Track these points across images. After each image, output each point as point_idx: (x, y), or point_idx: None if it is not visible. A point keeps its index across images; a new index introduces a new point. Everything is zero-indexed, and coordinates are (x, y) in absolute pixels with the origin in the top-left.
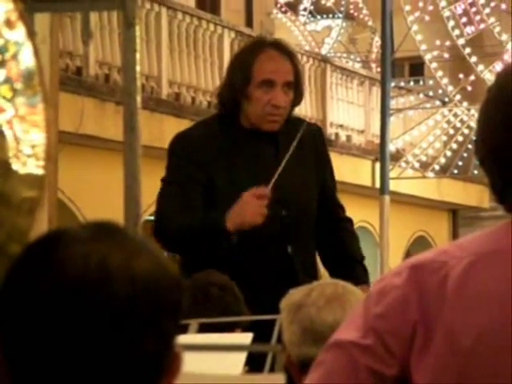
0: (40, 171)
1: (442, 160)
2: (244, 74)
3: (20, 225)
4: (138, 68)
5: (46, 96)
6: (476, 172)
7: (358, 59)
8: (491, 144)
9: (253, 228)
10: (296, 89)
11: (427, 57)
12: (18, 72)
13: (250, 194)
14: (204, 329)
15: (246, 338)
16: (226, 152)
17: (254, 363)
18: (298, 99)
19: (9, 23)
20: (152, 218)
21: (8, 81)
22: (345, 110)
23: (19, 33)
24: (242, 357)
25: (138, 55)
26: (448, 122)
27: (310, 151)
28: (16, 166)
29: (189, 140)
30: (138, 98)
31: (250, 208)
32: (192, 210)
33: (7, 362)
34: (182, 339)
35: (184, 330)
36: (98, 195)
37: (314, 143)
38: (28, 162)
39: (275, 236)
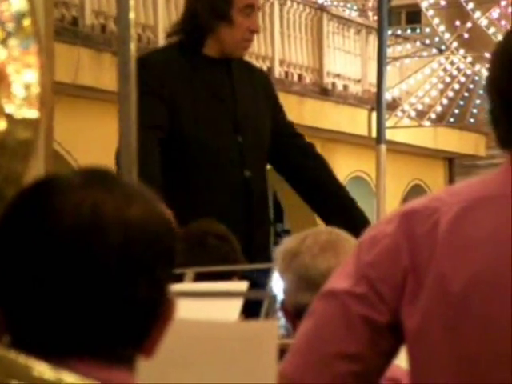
0: (34, 114)
1: (439, 108)
2: None
3: (15, 169)
4: (132, 15)
5: (40, 37)
6: (472, 120)
7: (355, 8)
8: (500, 87)
9: (212, 154)
10: None
11: (424, 4)
12: (9, 13)
13: None
14: (200, 278)
15: (241, 285)
16: (186, 77)
17: (250, 312)
18: None
19: None
20: None
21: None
22: (341, 59)
23: None
24: (238, 304)
25: (131, 1)
26: (444, 70)
27: (263, 94)
28: (9, 109)
29: (151, 62)
30: (133, 46)
31: None
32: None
33: (2, 307)
34: (178, 287)
35: (180, 278)
36: (95, 146)
37: (264, 84)
38: (21, 105)
39: (233, 161)
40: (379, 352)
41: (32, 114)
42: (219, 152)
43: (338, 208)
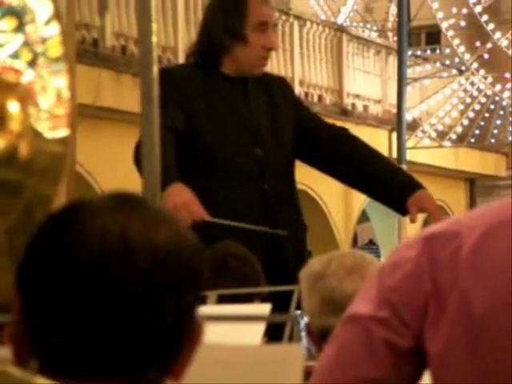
0: (64, 133)
1: (459, 129)
2: (240, 17)
3: (45, 190)
4: (154, 39)
5: (69, 57)
6: (493, 141)
7: (375, 28)
8: None
9: (231, 166)
10: None
11: (444, 25)
12: (38, 34)
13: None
14: (222, 300)
15: (264, 308)
16: (204, 92)
17: (273, 334)
18: None
19: None
20: None
21: (27, 44)
22: (361, 80)
23: None
24: (260, 327)
25: (154, 26)
26: (465, 90)
27: (283, 102)
28: (39, 127)
29: (173, 74)
30: (155, 69)
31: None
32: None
33: (29, 331)
34: (201, 310)
35: (203, 301)
36: (116, 167)
37: (282, 90)
38: (50, 124)
39: (252, 174)
40: (402, 377)
41: (61, 132)
42: (237, 164)
43: (385, 180)
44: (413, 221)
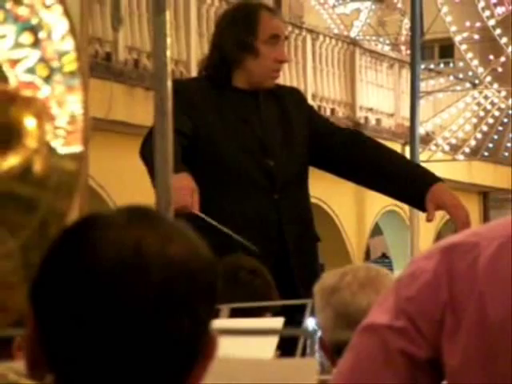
0: (78, 149)
1: (473, 142)
2: (251, 30)
3: (59, 205)
4: (168, 53)
5: (84, 73)
6: (506, 154)
7: (388, 42)
8: None
9: (242, 177)
10: None
11: (457, 38)
12: (53, 50)
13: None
14: (233, 313)
15: (277, 322)
16: (215, 104)
17: (286, 347)
18: None
19: (44, 2)
20: None
21: (43, 60)
22: (374, 94)
23: (55, 11)
24: (273, 341)
25: (168, 40)
26: (478, 104)
27: (296, 113)
28: (54, 143)
29: (184, 85)
30: (169, 83)
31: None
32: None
33: (44, 346)
34: (214, 323)
35: (216, 314)
36: (129, 181)
37: (295, 100)
38: (65, 140)
39: (262, 184)
40: None
41: (76, 148)
42: (248, 175)
43: (402, 178)
44: (429, 219)
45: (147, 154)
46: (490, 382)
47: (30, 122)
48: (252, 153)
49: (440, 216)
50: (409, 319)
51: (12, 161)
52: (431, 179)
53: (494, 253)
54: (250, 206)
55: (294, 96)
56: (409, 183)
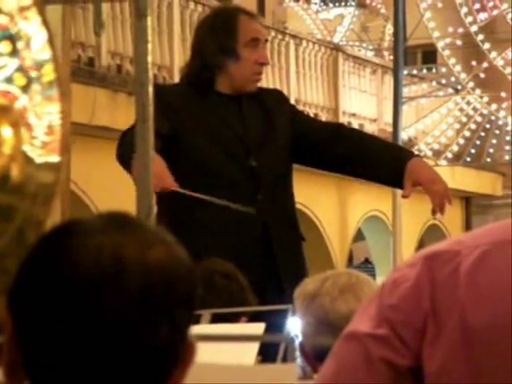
0: (56, 158)
1: (455, 148)
2: (231, 34)
3: (36, 213)
4: (149, 59)
5: (62, 84)
6: (489, 160)
7: (371, 47)
8: None
9: (224, 178)
10: None
11: (440, 44)
12: (32, 60)
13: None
14: (211, 318)
15: (258, 328)
16: (196, 108)
17: (266, 353)
18: None
19: (23, 12)
20: None
21: (21, 69)
22: (357, 99)
23: (33, 21)
24: (254, 347)
25: (149, 46)
26: (461, 109)
27: (278, 113)
28: (31, 153)
29: (165, 90)
30: (150, 89)
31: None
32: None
33: (21, 352)
34: (195, 329)
35: (196, 320)
36: (112, 187)
37: (277, 101)
38: (43, 150)
39: (245, 185)
40: None
41: (53, 158)
42: (230, 176)
43: (382, 162)
44: (403, 195)
45: (122, 153)
46: None
47: (6, 131)
48: (234, 155)
49: (423, 222)
50: (391, 328)
51: None
52: (407, 156)
53: (475, 261)
54: (232, 208)
55: (276, 97)
56: (389, 166)
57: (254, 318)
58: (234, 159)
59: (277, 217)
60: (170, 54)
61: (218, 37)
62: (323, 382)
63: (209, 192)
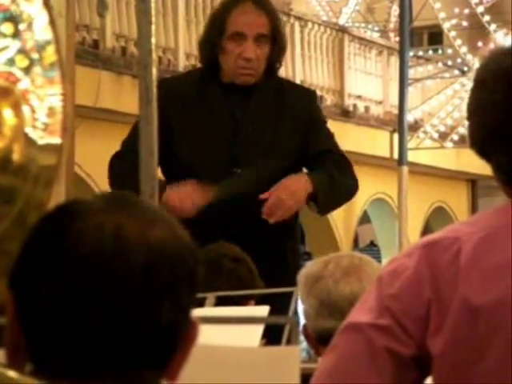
0: (57, 140)
1: (461, 130)
2: (218, 27)
3: (38, 195)
4: (153, 40)
5: (63, 65)
6: None
7: (376, 29)
8: (492, 125)
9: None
10: (274, 43)
11: (446, 25)
12: (33, 42)
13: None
14: (218, 301)
15: (262, 310)
16: (191, 104)
17: (272, 336)
18: (277, 54)
19: None
20: None
21: (23, 51)
22: (363, 81)
23: (35, 3)
24: (259, 329)
25: (153, 27)
26: (466, 91)
27: (293, 118)
28: (33, 135)
29: (167, 85)
30: (154, 71)
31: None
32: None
33: (24, 334)
34: (199, 312)
35: (200, 303)
36: None
37: (304, 109)
38: (45, 131)
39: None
40: None
41: (55, 140)
42: (213, 180)
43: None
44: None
45: (114, 178)
46: (477, 370)
47: (7, 112)
48: (218, 160)
49: (429, 204)
50: (393, 317)
51: None
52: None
53: (476, 244)
54: (218, 218)
55: (303, 98)
56: None
57: (261, 301)
58: (218, 164)
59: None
60: (175, 37)
61: (209, 30)
62: (324, 373)
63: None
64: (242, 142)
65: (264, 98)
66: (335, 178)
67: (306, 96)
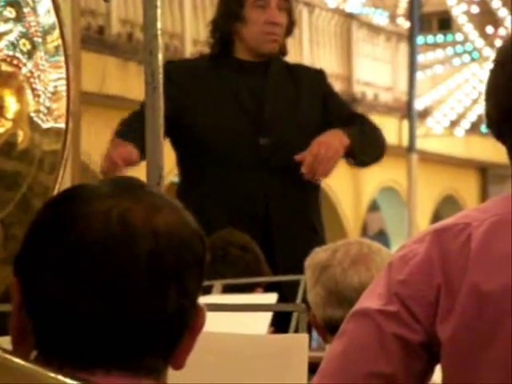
0: (62, 125)
1: (472, 117)
2: None
3: (43, 180)
4: (159, 25)
5: (67, 49)
6: None
7: (385, 14)
8: (509, 106)
9: (229, 158)
10: (289, 16)
11: (455, 11)
12: (37, 26)
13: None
14: (225, 288)
15: (270, 298)
16: (206, 83)
17: (280, 323)
18: (289, 29)
19: None
20: (175, 179)
21: (27, 35)
22: (371, 67)
23: None
24: (267, 317)
25: (159, 11)
26: (477, 77)
27: (310, 94)
28: (37, 120)
29: (176, 66)
30: (160, 56)
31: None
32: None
33: (31, 320)
34: (207, 299)
35: (207, 290)
36: None
37: (314, 80)
38: (49, 116)
39: (252, 166)
40: (413, 372)
41: (59, 125)
42: (236, 156)
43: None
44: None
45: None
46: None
47: (11, 97)
48: (241, 132)
49: (438, 192)
50: (402, 303)
51: None
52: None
53: (486, 230)
54: (238, 190)
55: (315, 76)
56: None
57: (268, 289)
58: (242, 138)
59: (283, 199)
60: (182, 22)
61: (227, 2)
62: (333, 360)
63: (215, 175)
64: (266, 114)
65: (278, 74)
66: (365, 130)
67: (317, 75)
